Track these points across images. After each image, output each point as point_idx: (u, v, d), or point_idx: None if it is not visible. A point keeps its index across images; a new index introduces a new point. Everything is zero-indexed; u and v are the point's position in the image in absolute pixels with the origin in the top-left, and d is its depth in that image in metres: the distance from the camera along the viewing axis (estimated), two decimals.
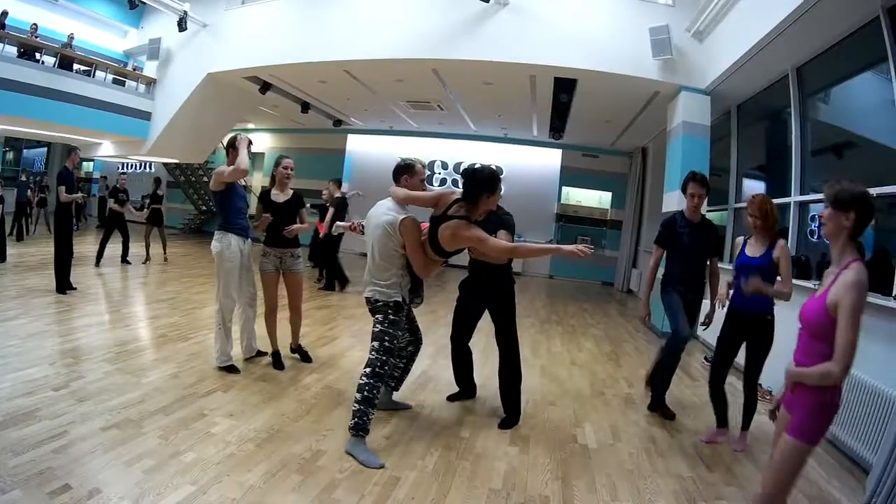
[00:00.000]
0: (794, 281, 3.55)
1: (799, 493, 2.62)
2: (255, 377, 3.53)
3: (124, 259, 7.98)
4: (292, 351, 4.03)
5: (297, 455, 2.52)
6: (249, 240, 3.71)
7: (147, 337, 4.29)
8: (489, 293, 3.18)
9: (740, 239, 3.10)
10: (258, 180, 13.76)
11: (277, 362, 3.79)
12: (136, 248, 8.36)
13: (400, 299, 2.68)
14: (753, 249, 2.95)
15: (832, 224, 1.73)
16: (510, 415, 3.19)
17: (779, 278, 2.88)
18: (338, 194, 7.27)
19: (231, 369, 3.55)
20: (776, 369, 2.39)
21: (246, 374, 3.56)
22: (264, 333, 3.87)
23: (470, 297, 3.28)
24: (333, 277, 7.33)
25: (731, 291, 3.06)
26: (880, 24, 3.74)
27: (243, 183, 3.81)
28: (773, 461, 1.83)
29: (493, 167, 2.74)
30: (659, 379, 3.56)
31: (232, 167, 3.47)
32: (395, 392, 3.21)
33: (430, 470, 2.52)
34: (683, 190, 3.44)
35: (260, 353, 3.93)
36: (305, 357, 4.00)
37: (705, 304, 3.51)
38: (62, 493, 1.97)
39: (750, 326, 2.97)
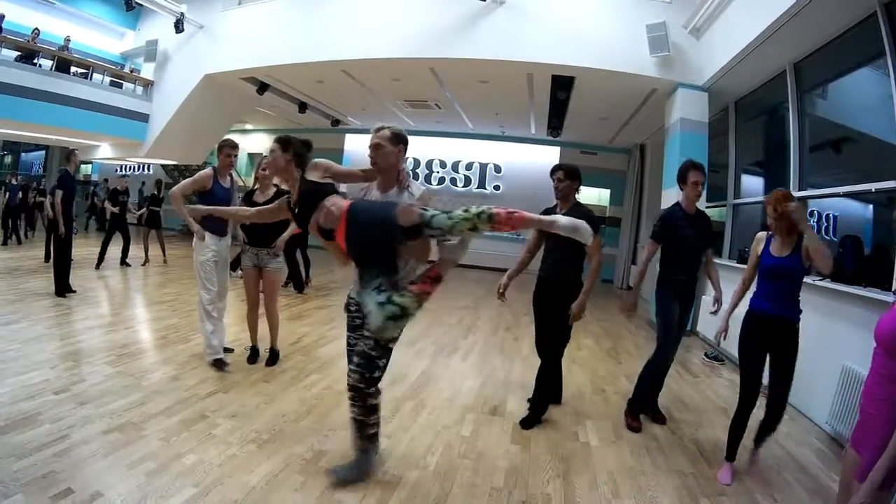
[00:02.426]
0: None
1: (799, 486, 2.63)
2: (255, 378, 3.53)
3: (123, 262, 7.96)
4: (268, 350, 3.93)
5: (299, 456, 2.52)
6: (228, 237, 3.81)
7: (147, 339, 4.29)
8: (559, 294, 3.16)
9: (762, 234, 2.69)
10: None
11: (252, 357, 3.86)
12: (134, 251, 8.35)
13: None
14: (779, 248, 2.57)
15: None
16: (532, 414, 3.21)
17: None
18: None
19: (218, 363, 3.56)
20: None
21: (246, 375, 3.57)
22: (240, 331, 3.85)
23: (541, 296, 3.28)
24: (292, 277, 7.17)
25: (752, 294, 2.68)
26: (878, 20, 3.75)
27: (238, 180, 3.84)
28: None
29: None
30: (641, 392, 3.33)
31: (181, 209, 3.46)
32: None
33: (431, 469, 2.52)
34: (683, 180, 3.28)
35: (227, 350, 3.89)
36: (272, 359, 3.89)
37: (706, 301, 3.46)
38: (64, 497, 1.98)
39: (775, 334, 2.54)
